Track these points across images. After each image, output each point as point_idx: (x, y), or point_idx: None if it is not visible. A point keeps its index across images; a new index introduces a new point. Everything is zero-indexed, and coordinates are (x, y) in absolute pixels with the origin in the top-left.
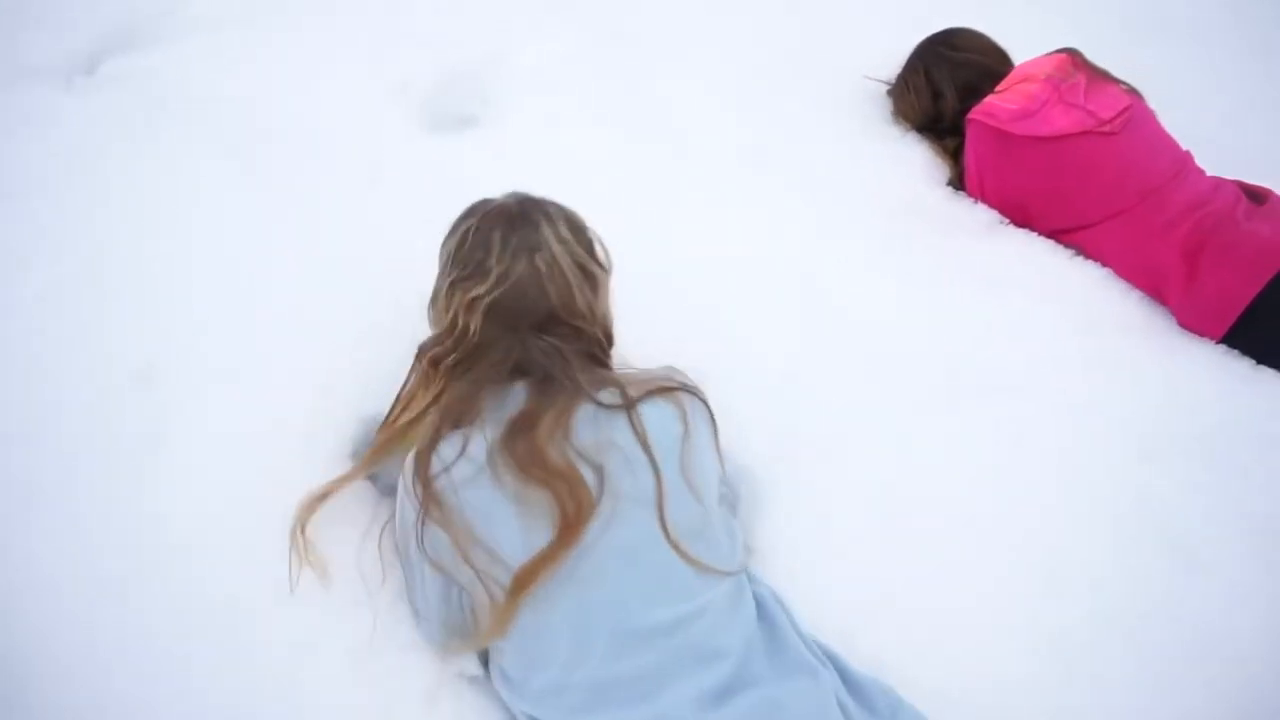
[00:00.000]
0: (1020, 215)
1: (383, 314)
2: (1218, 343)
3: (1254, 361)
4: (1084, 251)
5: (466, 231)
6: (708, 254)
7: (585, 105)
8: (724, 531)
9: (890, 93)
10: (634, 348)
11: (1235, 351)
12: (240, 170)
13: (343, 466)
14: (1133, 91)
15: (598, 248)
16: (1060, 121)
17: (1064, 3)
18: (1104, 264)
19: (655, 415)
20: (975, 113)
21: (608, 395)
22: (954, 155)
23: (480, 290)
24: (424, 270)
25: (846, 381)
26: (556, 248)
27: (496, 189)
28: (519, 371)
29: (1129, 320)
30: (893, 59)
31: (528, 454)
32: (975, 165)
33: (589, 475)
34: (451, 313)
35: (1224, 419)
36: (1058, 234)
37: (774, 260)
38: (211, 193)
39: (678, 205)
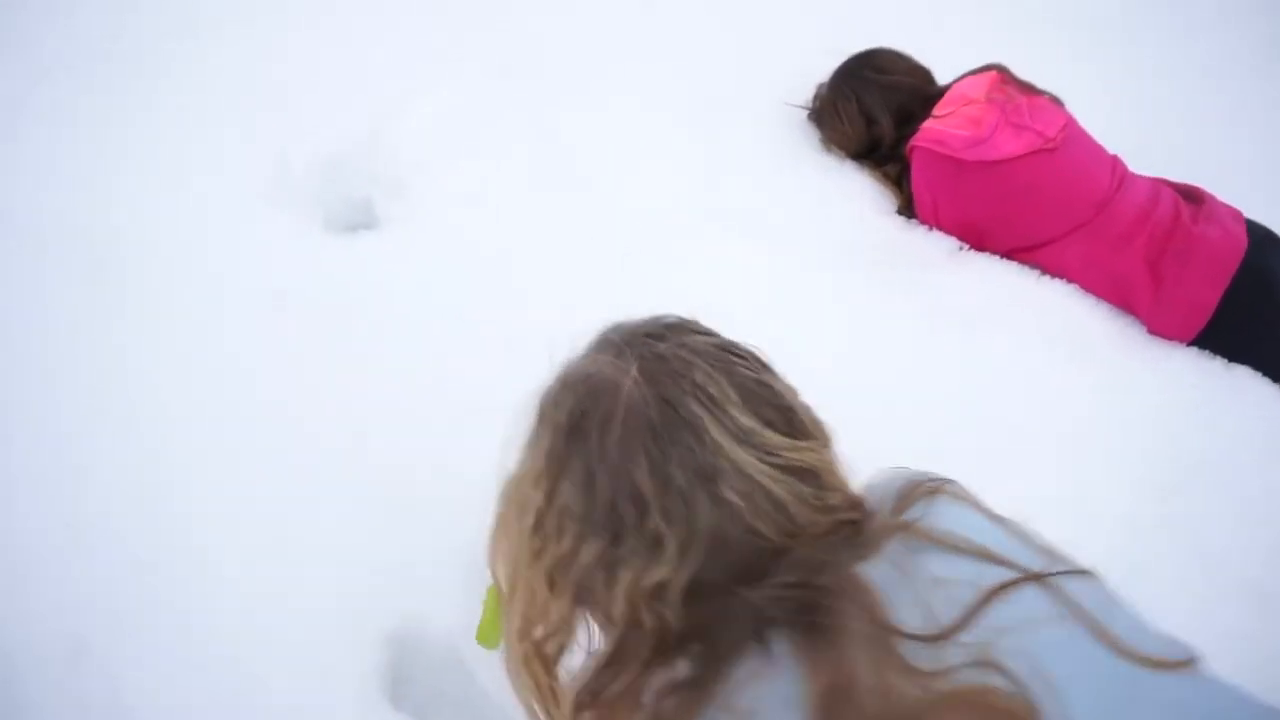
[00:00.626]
0: (976, 238)
1: (347, 490)
2: (1188, 345)
3: (1226, 360)
4: (1045, 269)
5: (591, 470)
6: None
7: (488, 161)
8: None
9: (814, 118)
10: None
11: (1206, 353)
12: (109, 307)
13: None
14: (1057, 101)
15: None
16: (1011, 145)
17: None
18: (1068, 280)
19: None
20: (921, 140)
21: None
22: (897, 182)
23: (663, 574)
24: (371, 414)
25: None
26: (743, 456)
27: (428, 289)
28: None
29: (1106, 335)
30: (806, 80)
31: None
32: (928, 193)
33: (990, 675)
34: (625, 605)
35: (1226, 426)
36: (1015, 253)
37: (752, 318)
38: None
39: (626, 269)
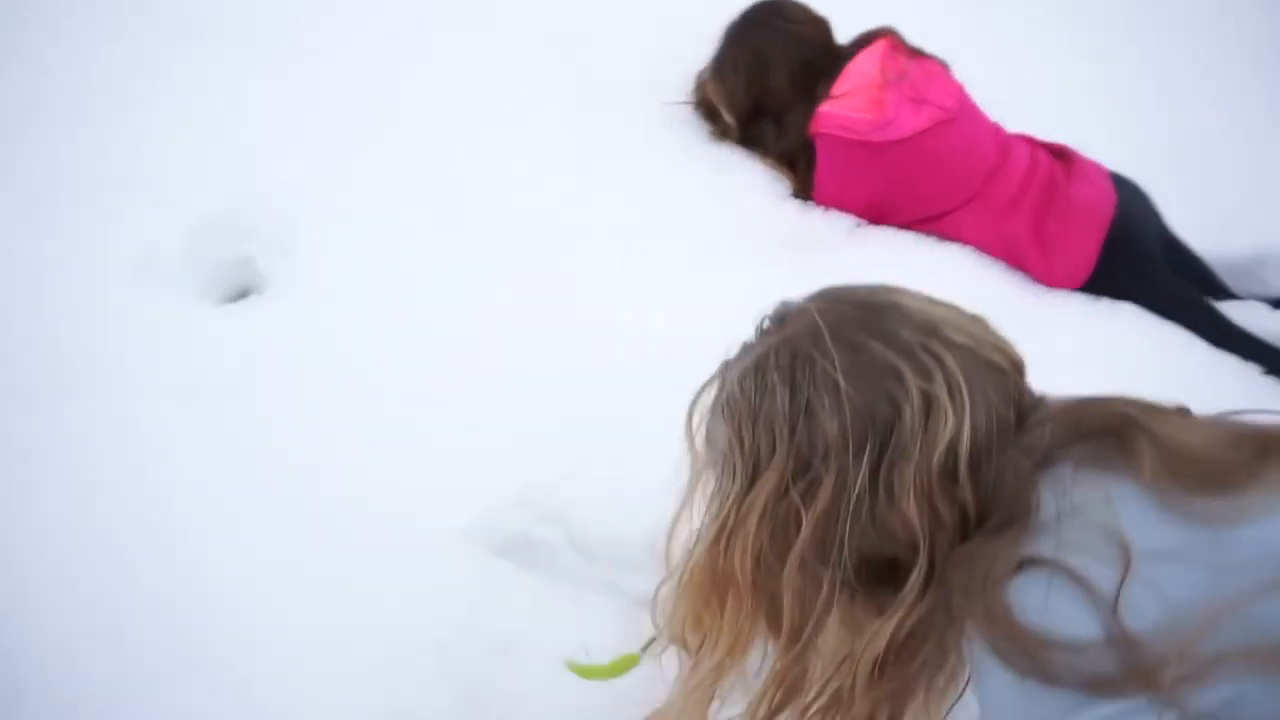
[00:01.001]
0: (877, 215)
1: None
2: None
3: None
4: (942, 237)
5: (833, 384)
6: (605, 352)
7: (373, 198)
8: None
9: (702, 92)
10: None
11: (1092, 297)
12: None
13: None
14: (945, 66)
15: None
16: (914, 121)
17: None
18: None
19: None
20: (825, 126)
21: None
22: (791, 164)
23: (949, 434)
24: (315, 494)
25: None
26: (943, 311)
27: (341, 345)
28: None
29: (1016, 293)
30: (670, 81)
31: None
32: (832, 180)
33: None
34: (918, 504)
35: (1128, 364)
36: (913, 224)
37: (669, 325)
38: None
39: (538, 291)
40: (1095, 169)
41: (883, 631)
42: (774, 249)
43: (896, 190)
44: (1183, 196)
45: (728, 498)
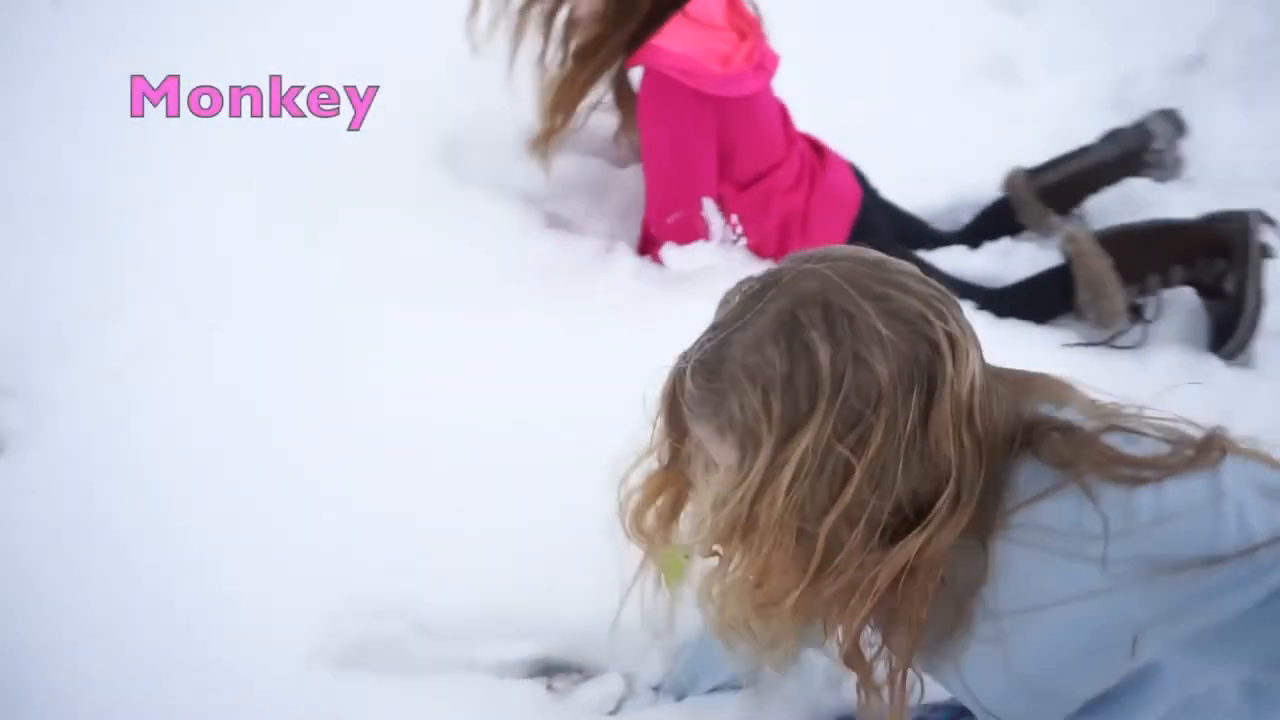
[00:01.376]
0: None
1: None
2: None
3: None
4: (724, 208)
5: (875, 333)
6: (398, 427)
7: (118, 312)
8: None
9: None
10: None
11: None
12: None
13: None
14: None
15: None
16: (751, 84)
17: None
18: (740, 223)
19: None
20: (669, 69)
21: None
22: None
23: (975, 363)
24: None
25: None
26: (910, 262)
27: (115, 493)
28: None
29: None
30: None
31: None
32: (656, 124)
33: None
34: (950, 441)
35: None
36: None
37: (463, 381)
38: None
39: (317, 381)
40: (840, 160)
41: (912, 544)
42: (542, 290)
43: (719, 148)
44: (890, 161)
45: (753, 464)
